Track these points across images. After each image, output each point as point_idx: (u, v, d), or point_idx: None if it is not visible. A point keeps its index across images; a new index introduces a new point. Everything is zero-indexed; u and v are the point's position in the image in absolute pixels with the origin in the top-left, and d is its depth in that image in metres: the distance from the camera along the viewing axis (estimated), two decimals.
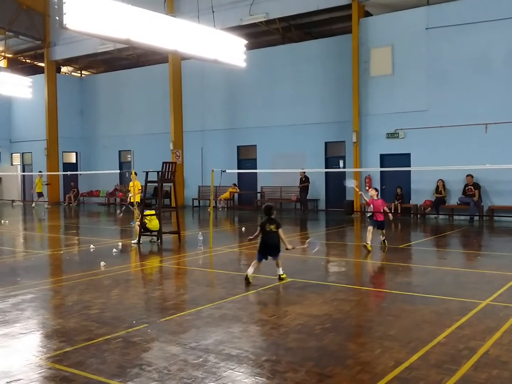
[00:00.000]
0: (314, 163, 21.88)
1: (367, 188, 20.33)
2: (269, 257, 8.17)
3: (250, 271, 8.04)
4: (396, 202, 19.16)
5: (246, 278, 7.99)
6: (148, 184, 13.19)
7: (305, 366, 4.64)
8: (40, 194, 26.96)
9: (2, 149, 32.21)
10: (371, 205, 11.64)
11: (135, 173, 15.74)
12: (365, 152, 20.34)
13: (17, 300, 7.19)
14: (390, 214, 12.07)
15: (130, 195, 17.28)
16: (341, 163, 21.84)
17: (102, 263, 9.77)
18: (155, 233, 12.92)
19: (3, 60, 31.88)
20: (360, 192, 12.59)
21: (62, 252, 11.95)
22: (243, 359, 4.83)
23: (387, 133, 19.79)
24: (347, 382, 4.34)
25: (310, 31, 24.23)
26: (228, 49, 12.11)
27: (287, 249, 8.14)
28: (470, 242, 13.70)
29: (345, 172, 21.13)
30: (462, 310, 6.38)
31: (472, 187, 17.78)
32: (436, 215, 18.48)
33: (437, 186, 18.55)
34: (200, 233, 12.38)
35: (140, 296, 7.56)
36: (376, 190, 12.01)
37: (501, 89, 17.44)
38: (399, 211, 19.05)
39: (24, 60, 32.80)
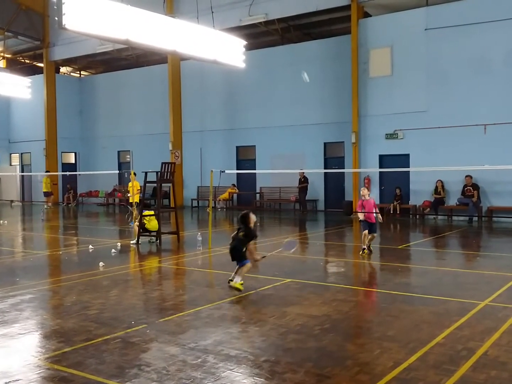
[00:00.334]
0: (313, 164, 21.88)
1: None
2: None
3: (232, 276, 7.68)
4: (395, 203, 19.18)
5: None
6: (147, 184, 13.18)
7: (304, 367, 4.64)
8: (47, 194, 26.98)
9: (1, 149, 32.18)
10: (363, 207, 10.95)
11: (134, 174, 15.74)
12: (364, 152, 20.36)
13: (16, 301, 7.19)
14: (380, 218, 11.18)
15: (129, 195, 17.29)
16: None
17: (101, 264, 9.76)
18: (154, 234, 12.91)
19: (2, 60, 31.85)
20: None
21: (61, 253, 11.94)
22: (242, 360, 4.83)
23: (386, 134, 19.81)
24: (346, 382, 4.34)
25: (309, 31, 24.24)
26: (227, 49, 12.11)
27: (256, 260, 7.77)
28: (469, 242, 13.71)
29: (344, 173, 21.17)
30: (461, 310, 6.38)
31: (471, 188, 17.80)
32: (435, 216, 18.49)
33: (436, 187, 18.57)
34: (199, 233, 12.37)
35: (139, 297, 7.55)
36: (368, 189, 11.36)
37: (500, 89, 17.46)
38: (398, 212, 19.07)
39: (23, 60, 32.78)
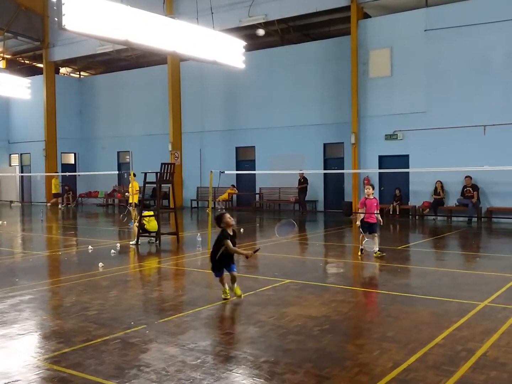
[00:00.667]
0: (312, 165, 21.89)
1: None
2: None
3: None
4: (394, 204, 19.19)
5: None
6: (146, 185, 13.18)
7: (303, 368, 4.64)
8: (56, 195, 27.01)
9: (0, 150, 32.18)
10: (365, 206, 10.59)
11: (134, 174, 15.75)
12: (363, 153, 20.36)
13: (15, 301, 7.18)
14: (379, 219, 10.71)
15: (127, 194, 17.36)
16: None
17: (100, 264, 9.76)
18: (154, 234, 12.91)
19: (1, 61, 31.85)
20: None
21: (60, 253, 11.94)
22: (242, 360, 4.83)
23: (385, 135, 19.82)
24: (345, 383, 4.34)
25: (309, 32, 24.26)
26: (227, 50, 12.11)
27: (248, 257, 7.03)
28: (469, 243, 13.71)
29: (343, 174, 21.18)
30: (461, 311, 6.38)
31: (470, 189, 17.80)
32: (434, 217, 18.49)
33: (436, 188, 18.58)
34: (198, 234, 12.37)
35: (138, 297, 7.55)
36: (373, 187, 10.87)
37: (500, 91, 17.47)
38: (397, 213, 19.07)
39: (22, 61, 32.80)
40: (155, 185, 14.38)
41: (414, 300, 7.12)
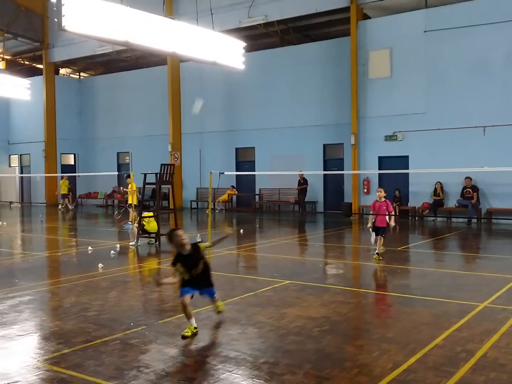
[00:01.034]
0: (312, 166, 21.89)
1: (365, 190, 20.39)
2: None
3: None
4: (394, 204, 19.16)
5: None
6: (146, 186, 13.18)
7: (303, 369, 4.64)
8: (65, 195, 27.04)
9: (0, 150, 32.18)
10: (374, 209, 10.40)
11: (131, 175, 15.80)
12: (363, 154, 20.37)
13: (15, 302, 7.18)
14: (392, 222, 10.47)
15: (125, 190, 17.51)
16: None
17: (100, 265, 9.75)
18: (153, 235, 12.91)
19: (1, 61, 31.86)
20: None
21: (60, 254, 11.93)
22: (241, 361, 4.83)
23: (385, 136, 19.82)
24: None
25: (309, 33, 24.27)
26: (227, 51, 12.12)
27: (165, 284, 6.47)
28: (468, 244, 13.71)
29: (343, 174, 21.18)
30: (460, 312, 6.38)
31: (470, 190, 17.81)
32: (434, 218, 18.49)
33: (435, 189, 18.58)
34: (198, 235, 12.37)
35: (138, 298, 7.55)
36: (385, 191, 10.65)
37: (499, 91, 17.48)
38: (397, 213, 19.05)
39: (22, 61, 32.81)
40: (154, 186, 14.38)
41: (414, 301, 7.12)
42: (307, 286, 8.01)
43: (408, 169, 18.88)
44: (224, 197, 23.72)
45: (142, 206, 13.33)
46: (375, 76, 19.98)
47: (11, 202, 30.92)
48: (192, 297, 5.67)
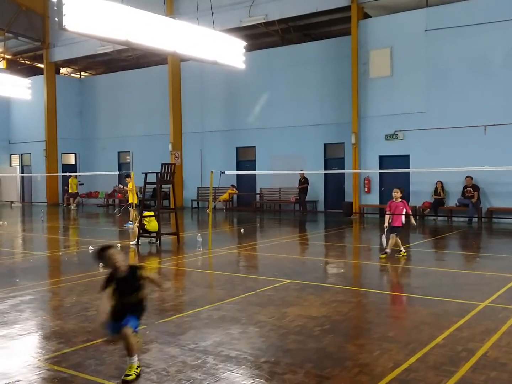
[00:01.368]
0: (313, 165, 21.88)
1: (366, 189, 20.39)
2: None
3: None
4: None
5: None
6: (147, 185, 13.18)
7: (304, 368, 4.64)
8: (73, 195, 27.03)
9: (1, 150, 32.21)
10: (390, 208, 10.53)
11: (131, 175, 15.82)
12: (364, 153, 20.36)
13: (16, 302, 7.18)
14: (413, 221, 10.83)
15: (125, 188, 17.57)
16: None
17: (101, 265, 9.72)
18: (154, 234, 12.92)
19: (2, 61, 31.86)
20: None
21: (60, 254, 11.94)
22: (242, 361, 4.83)
23: (386, 135, 19.81)
24: (346, 383, 4.34)
25: (309, 32, 24.26)
26: (227, 50, 12.12)
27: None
28: (469, 243, 13.71)
29: (344, 174, 21.17)
30: (461, 311, 6.38)
31: (471, 189, 17.79)
32: (434, 217, 18.48)
33: (436, 188, 18.57)
34: (199, 234, 12.37)
35: None
36: (401, 191, 10.68)
37: (500, 90, 17.46)
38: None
39: (23, 61, 32.81)
40: (155, 186, 14.38)
41: (415, 300, 7.12)
42: (308, 285, 8.01)
43: (408, 168, 18.86)
44: (225, 196, 23.72)
45: (142, 205, 13.33)
46: (375, 75, 19.97)
47: (12, 202, 30.94)
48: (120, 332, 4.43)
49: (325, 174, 22.04)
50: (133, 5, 9.95)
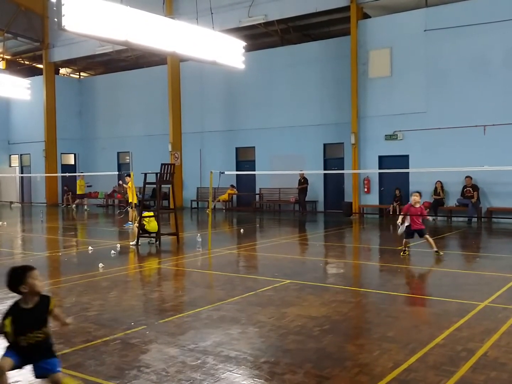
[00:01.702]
0: (312, 165, 21.88)
1: (365, 189, 20.38)
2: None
3: None
4: (394, 204, 19.18)
5: None
6: (146, 185, 13.18)
7: (303, 368, 4.63)
8: (81, 196, 27.01)
9: (0, 150, 32.19)
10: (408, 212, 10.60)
11: (131, 175, 15.83)
12: (363, 153, 20.36)
13: None
14: (430, 219, 10.91)
15: (126, 186, 17.60)
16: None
17: (101, 265, 9.75)
18: (154, 235, 12.91)
19: (1, 61, 31.87)
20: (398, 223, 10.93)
21: (60, 254, 11.94)
22: (242, 361, 4.83)
23: (385, 135, 19.82)
24: (345, 383, 4.34)
25: (309, 33, 24.27)
26: (227, 50, 12.12)
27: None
28: (469, 243, 13.71)
29: (343, 174, 21.17)
30: (461, 311, 6.38)
31: (470, 189, 17.80)
32: (434, 217, 18.48)
33: (436, 188, 18.57)
34: (198, 234, 12.37)
35: (139, 298, 7.55)
36: (420, 195, 10.77)
37: (500, 90, 17.47)
38: (397, 213, 19.03)
39: (22, 61, 32.80)
40: (155, 186, 14.38)
41: (414, 300, 7.11)
42: (307, 285, 8.01)
43: (408, 168, 18.87)
44: (225, 196, 23.72)
45: (142, 205, 13.33)
46: (375, 75, 19.97)
47: (11, 202, 30.93)
48: (16, 367, 3.88)
49: (324, 174, 22.05)
50: (132, 5, 9.95)
